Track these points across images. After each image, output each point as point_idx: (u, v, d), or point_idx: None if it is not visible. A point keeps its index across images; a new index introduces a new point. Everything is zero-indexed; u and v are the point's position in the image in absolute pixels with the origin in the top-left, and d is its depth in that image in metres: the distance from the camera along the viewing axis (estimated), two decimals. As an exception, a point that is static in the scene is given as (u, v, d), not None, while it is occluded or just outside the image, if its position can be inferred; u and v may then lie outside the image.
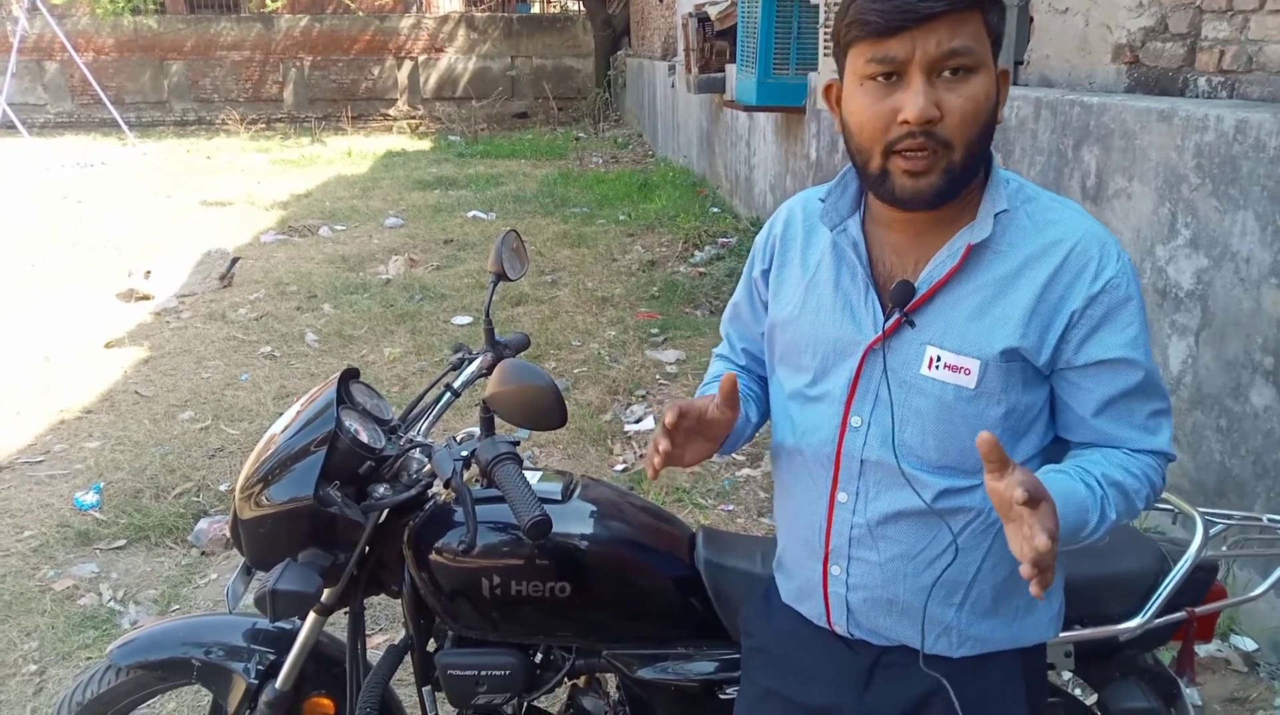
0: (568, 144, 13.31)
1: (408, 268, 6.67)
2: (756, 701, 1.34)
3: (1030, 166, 3.41)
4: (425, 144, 13.93)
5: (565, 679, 1.62)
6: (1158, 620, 1.40)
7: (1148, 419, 1.13)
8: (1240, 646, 2.41)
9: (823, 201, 1.20)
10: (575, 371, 4.70)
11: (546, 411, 1.32)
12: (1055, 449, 1.20)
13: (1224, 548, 1.53)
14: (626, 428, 4.10)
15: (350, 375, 1.65)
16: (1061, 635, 1.41)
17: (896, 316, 1.12)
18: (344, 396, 1.60)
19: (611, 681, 1.69)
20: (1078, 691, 1.80)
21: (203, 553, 3.18)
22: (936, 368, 1.11)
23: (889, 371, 1.13)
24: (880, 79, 1.05)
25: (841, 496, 1.19)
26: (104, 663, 1.70)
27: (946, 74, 1.03)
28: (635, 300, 5.87)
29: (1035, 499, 0.91)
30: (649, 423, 4.14)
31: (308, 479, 1.48)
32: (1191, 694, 2.29)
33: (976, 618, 1.19)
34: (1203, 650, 2.35)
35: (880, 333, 1.13)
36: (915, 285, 1.11)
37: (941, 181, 1.06)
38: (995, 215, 1.10)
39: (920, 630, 1.18)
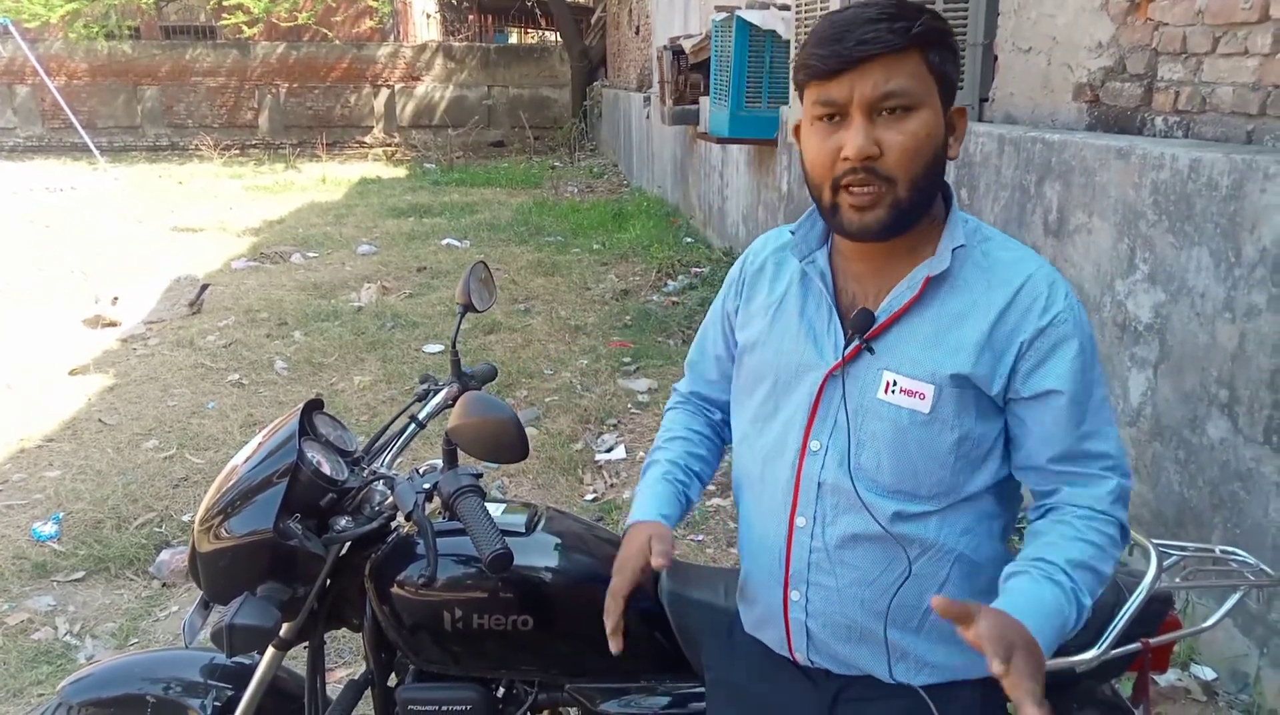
0: (543, 173, 13.37)
1: (380, 295, 6.65)
2: None
3: (994, 201, 3.48)
4: (400, 172, 13.94)
5: (528, 713, 1.61)
6: (1113, 651, 1.41)
7: (1100, 470, 1.15)
8: (1200, 676, 2.43)
9: (793, 234, 1.25)
10: (547, 400, 4.70)
11: (508, 444, 1.32)
12: (1011, 484, 1.22)
13: (1178, 579, 1.55)
14: (598, 457, 4.10)
15: (314, 406, 1.65)
16: (1020, 667, 1.43)
17: (856, 343, 1.16)
18: (307, 427, 1.59)
19: (575, 716, 1.67)
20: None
21: (164, 585, 3.12)
22: (893, 392, 1.15)
23: (847, 396, 1.17)
24: (826, 119, 1.11)
25: (800, 520, 1.21)
26: (55, 700, 1.67)
27: (885, 113, 1.08)
28: (608, 329, 5.89)
29: (1005, 659, 0.94)
30: (620, 452, 4.13)
31: (268, 511, 1.46)
32: (1153, 724, 2.30)
33: (934, 644, 1.20)
34: (1163, 680, 2.37)
35: (840, 358, 1.17)
36: (875, 314, 1.16)
37: (887, 216, 1.11)
38: (953, 250, 1.15)
39: (878, 655, 1.20)
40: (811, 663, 1.25)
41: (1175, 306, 2.60)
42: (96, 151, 14.00)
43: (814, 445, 1.19)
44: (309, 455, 1.52)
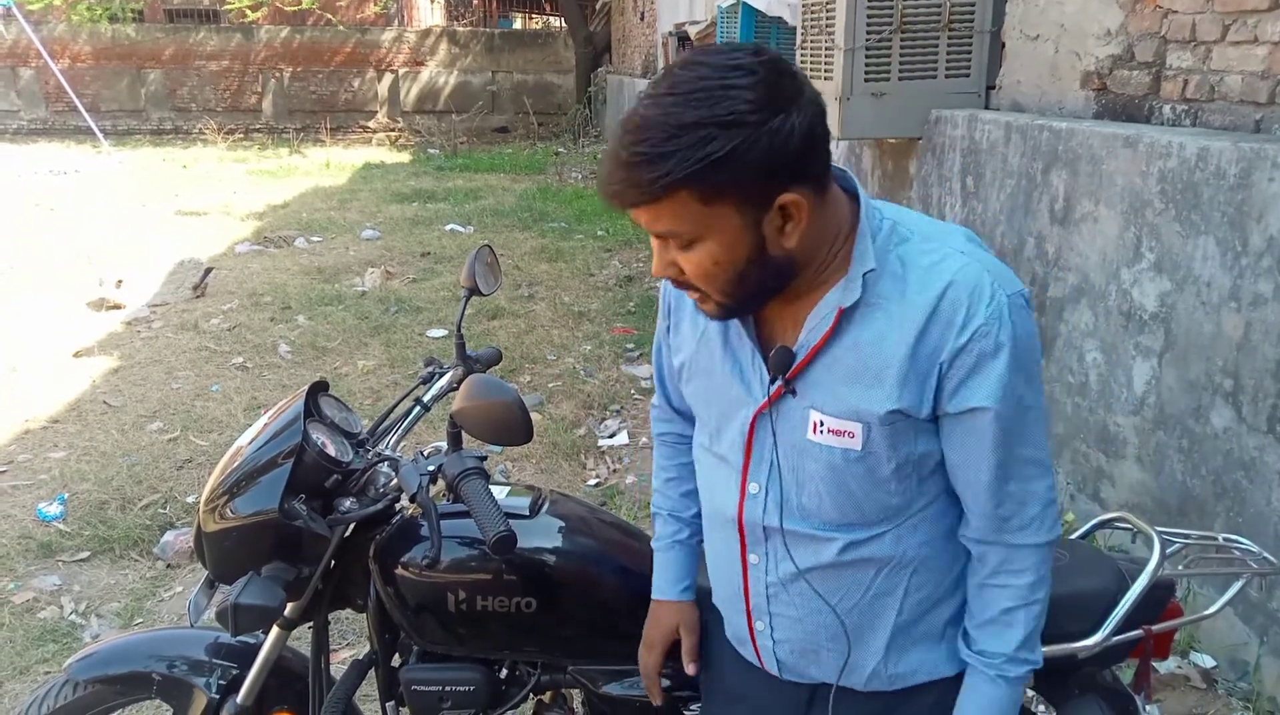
0: (547, 159, 13.33)
1: (384, 280, 6.65)
2: None
3: (1000, 189, 3.47)
4: (404, 157, 13.90)
5: (530, 695, 1.62)
6: (1115, 638, 1.42)
7: (1028, 491, 1.11)
8: (1199, 663, 2.44)
9: None
10: (550, 386, 4.70)
11: (512, 427, 1.33)
12: None
13: (1181, 566, 1.55)
14: (600, 442, 4.10)
15: (319, 388, 1.65)
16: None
17: (779, 384, 1.11)
18: (312, 409, 1.59)
19: (577, 697, 1.68)
20: (1041, 709, 1.81)
21: (168, 566, 3.14)
22: (821, 432, 1.10)
23: (778, 436, 1.13)
24: None
25: (752, 558, 1.21)
26: (62, 677, 1.68)
27: (671, 241, 1.04)
28: (611, 315, 5.88)
29: None
30: (623, 437, 4.14)
31: (273, 492, 1.47)
32: (1151, 711, 2.32)
33: (901, 654, 1.20)
34: (1163, 667, 2.38)
35: (766, 398, 1.13)
36: (794, 351, 1.10)
37: (720, 312, 1.10)
38: (864, 276, 1.06)
39: (847, 671, 1.21)
40: (784, 677, 1.27)
41: (1181, 295, 2.59)
42: (100, 135, 13.97)
43: (753, 487, 1.17)
44: (314, 436, 1.53)
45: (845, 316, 1.08)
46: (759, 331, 1.15)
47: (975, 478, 1.11)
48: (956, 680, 1.21)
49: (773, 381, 1.12)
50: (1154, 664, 1.59)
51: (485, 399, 1.32)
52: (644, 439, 4.07)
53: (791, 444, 1.13)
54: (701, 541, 1.38)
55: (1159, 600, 1.48)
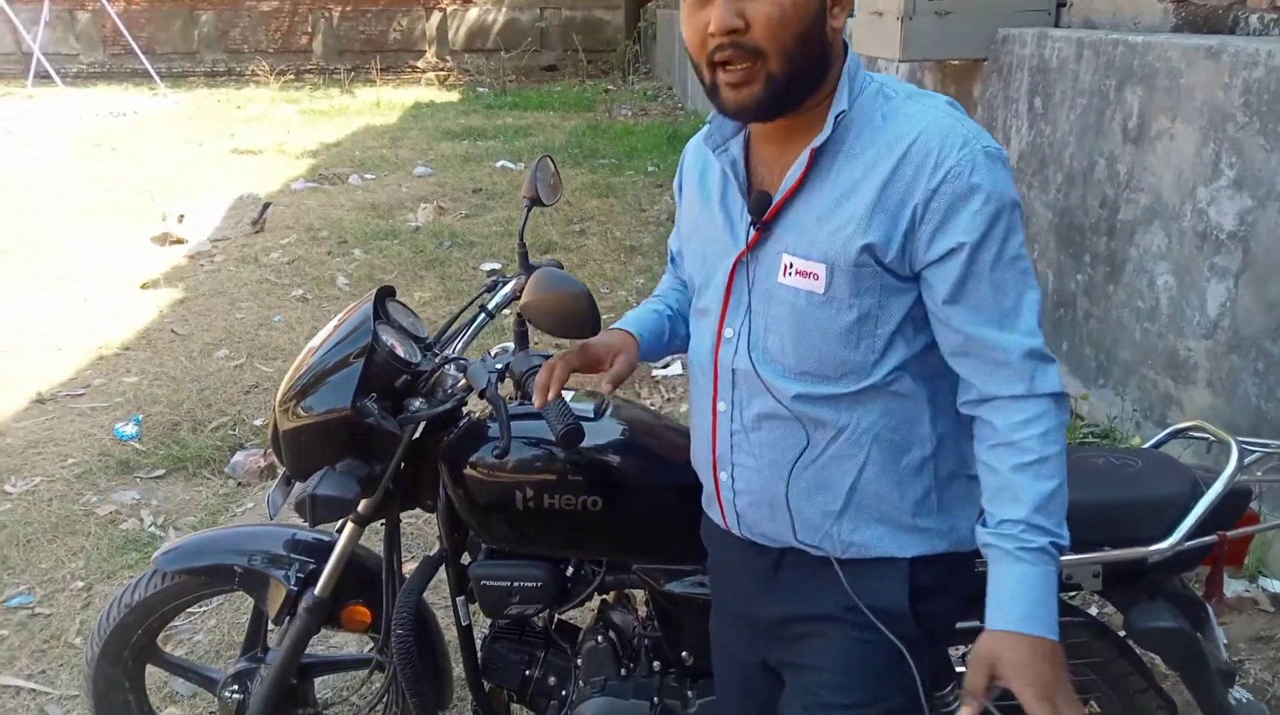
0: (596, 96, 13.17)
1: (437, 215, 6.68)
2: (715, 614, 1.43)
3: (1070, 109, 3.35)
4: (454, 96, 13.85)
5: (595, 593, 1.66)
6: (1189, 542, 1.40)
7: (1014, 337, 1.09)
8: (1268, 587, 2.41)
9: (709, 124, 1.23)
10: (604, 318, 4.69)
11: (580, 319, 1.33)
12: (932, 359, 1.17)
13: (1259, 474, 1.52)
14: (654, 372, 4.12)
15: (386, 293, 1.68)
16: (1090, 556, 1.43)
17: (756, 229, 1.15)
18: (380, 312, 1.62)
19: (640, 597, 1.72)
20: (1095, 610, 1.81)
21: (239, 484, 3.25)
22: (790, 274, 1.14)
23: (753, 283, 1.18)
24: None
25: (721, 406, 1.24)
26: (151, 569, 1.76)
27: None
28: (663, 250, 5.82)
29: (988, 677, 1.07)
30: (676, 368, 4.15)
31: (345, 390, 1.51)
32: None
33: (858, 525, 1.20)
34: (1230, 590, 2.35)
35: (745, 246, 1.17)
36: (773, 195, 1.14)
37: (762, 93, 1.07)
38: (835, 118, 1.10)
39: (795, 524, 1.21)
40: (746, 538, 1.28)
41: (1262, 212, 2.49)
42: (156, 77, 14.14)
43: (728, 332, 1.21)
44: (383, 338, 1.55)
45: (823, 161, 1.12)
46: (749, 186, 1.19)
47: (962, 327, 1.10)
48: (916, 563, 1.20)
49: (752, 226, 1.16)
50: (1225, 575, 1.56)
51: (553, 291, 1.32)
52: (698, 368, 4.07)
53: (764, 289, 1.17)
54: (674, 336, 1.44)
55: (1235, 507, 1.45)
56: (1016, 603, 1.08)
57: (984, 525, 1.13)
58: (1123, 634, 1.53)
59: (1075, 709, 1.05)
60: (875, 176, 1.08)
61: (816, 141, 1.10)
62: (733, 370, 1.21)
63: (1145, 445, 1.65)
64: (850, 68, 1.12)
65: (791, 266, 1.13)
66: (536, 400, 1.30)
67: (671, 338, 1.45)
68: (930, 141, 1.06)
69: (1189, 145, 2.76)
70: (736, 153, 1.20)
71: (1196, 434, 1.60)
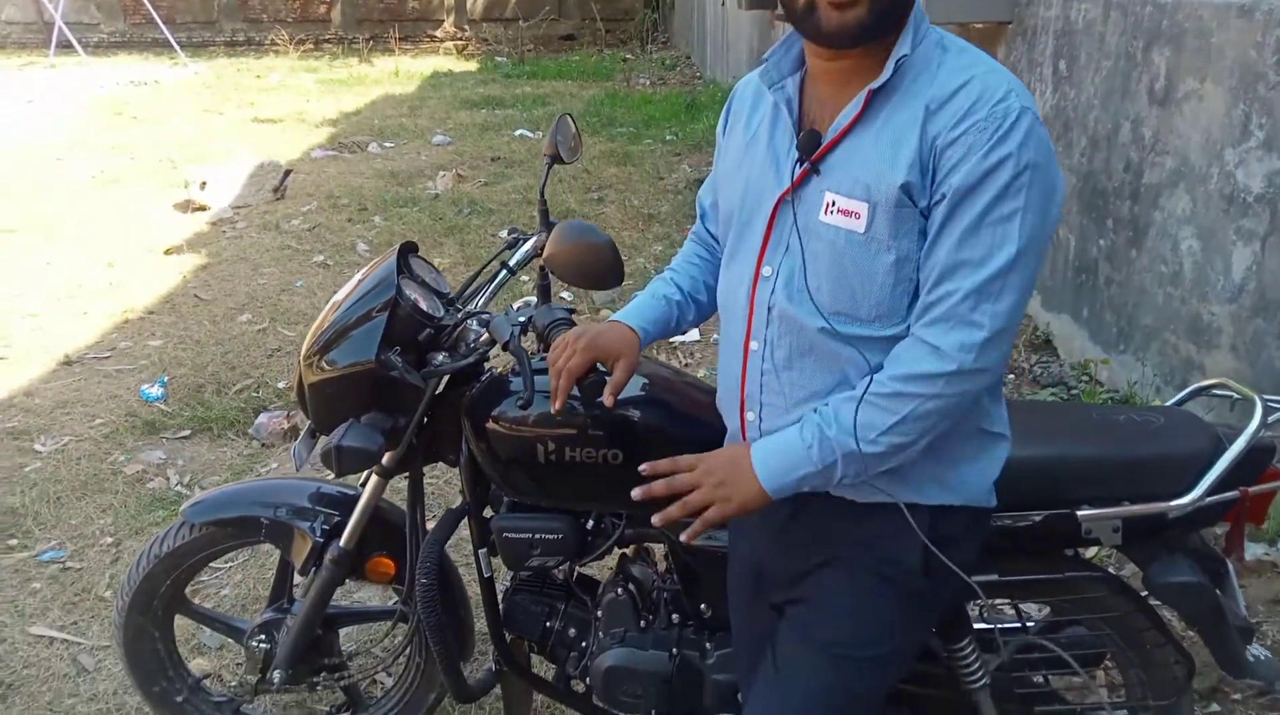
0: (614, 65, 13.07)
1: (455, 183, 6.68)
2: (732, 567, 1.46)
3: (1096, 72, 3.29)
4: (472, 65, 13.78)
5: (615, 546, 1.68)
6: (1210, 498, 1.40)
7: (963, 298, 1.08)
8: (1288, 552, 2.40)
9: (765, 60, 1.23)
10: (623, 285, 4.71)
11: (603, 269, 1.34)
12: None
13: (1282, 430, 1.51)
14: (672, 338, 4.12)
15: (409, 248, 1.69)
16: (1110, 510, 1.43)
17: (804, 167, 1.15)
18: (404, 268, 1.63)
19: (660, 551, 1.74)
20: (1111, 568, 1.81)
21: (263, 445, 3.30)
22: (831, 213, 1.14)
23: (798, 219, 1.18)
24: None
25: (754, 345, 1.25)
26: (179, 520, 1.80)
27: None
28: (681, 218, 5.83)
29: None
30: (694, 334, 4.16)
31: (369, 343, 1.52)
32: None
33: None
34: (1249, 553, 2.34)
35: (791, 183, 1.17)
36: (824, 135, 1.15)
37: (868, 14, 1.07)
38: (896, 61, 1.10)
39: None
40: None
41: (1292, 174, 2.45)
42: (177, 46, 14.14)
43: (766, 271, 1.22)
44: (407, 292, 1.57)
45: (877, 103, 1.12)
46: (800, 125, 1.19)
47: (925, 266, 1.11)
48: (930, 513, 1.22)
49: (799, 163, 1.16)
50: (1246, 533, 1.55)
51: (576, 242, 1.33)
52: (714, 336, 4.07)
53: (806, 226, 1.17)
54: (681, 320, 1.45)
55: (1258, 463, 1.45)
56: (775, 455, 1.17)
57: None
58: (1143, 593, 1.53)
59: (704, 526, 1.19)
60: (921, 121, 1.10)
61: (876, 83, 1.11)
62: (769, 308, 1.22)
63: (1169, 403, 1.64)
64: (916, 15, 1.13)
65: (834, 204, 1.14)
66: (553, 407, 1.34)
67: (678, 325, 1.45)
68: (973, 90, 1.08)
69: (1218, 106, 2.71)
70: (792, 90, 1.21)
71: (1220, 392, 1.59)
